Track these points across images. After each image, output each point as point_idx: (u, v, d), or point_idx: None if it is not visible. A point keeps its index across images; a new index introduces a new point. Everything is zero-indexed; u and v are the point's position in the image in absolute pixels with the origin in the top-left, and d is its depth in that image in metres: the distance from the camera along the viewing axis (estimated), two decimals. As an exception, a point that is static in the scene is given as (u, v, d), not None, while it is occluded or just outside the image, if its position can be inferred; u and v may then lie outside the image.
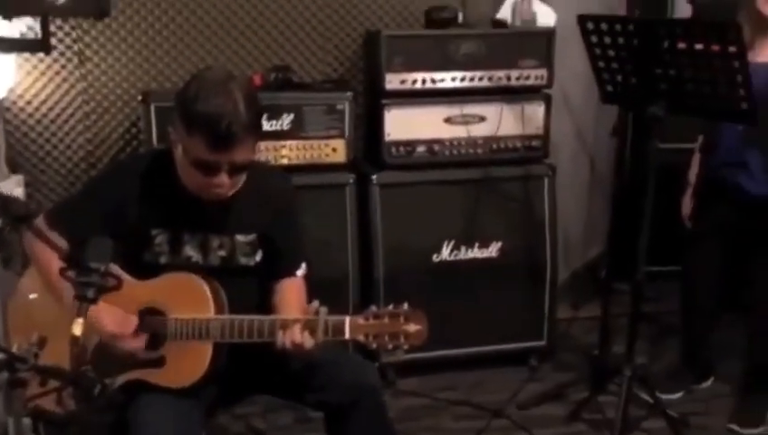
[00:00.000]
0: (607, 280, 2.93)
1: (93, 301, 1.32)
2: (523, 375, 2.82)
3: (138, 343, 1.62)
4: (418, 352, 2.55)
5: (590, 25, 2.15)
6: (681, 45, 2.01)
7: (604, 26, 2.13)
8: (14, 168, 2.66)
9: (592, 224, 3.51)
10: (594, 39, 2.18)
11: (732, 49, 1.91)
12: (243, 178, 1.68)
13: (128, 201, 1.68)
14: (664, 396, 2.57)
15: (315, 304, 1.62)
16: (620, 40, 2.13)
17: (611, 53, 2.18)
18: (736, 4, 2.32)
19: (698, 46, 1.98)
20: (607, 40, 2.16)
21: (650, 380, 2.56)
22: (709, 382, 2.75)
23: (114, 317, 1.61)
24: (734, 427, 2.48)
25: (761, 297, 2.43)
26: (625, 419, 2.32)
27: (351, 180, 2.66)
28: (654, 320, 3.14)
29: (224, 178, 1.61)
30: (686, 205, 2.58)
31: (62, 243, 1.54)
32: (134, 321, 1.63)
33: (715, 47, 1.94)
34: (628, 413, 2.34)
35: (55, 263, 1.50)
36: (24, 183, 2.66)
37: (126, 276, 1.63)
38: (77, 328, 1.27)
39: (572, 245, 3.49)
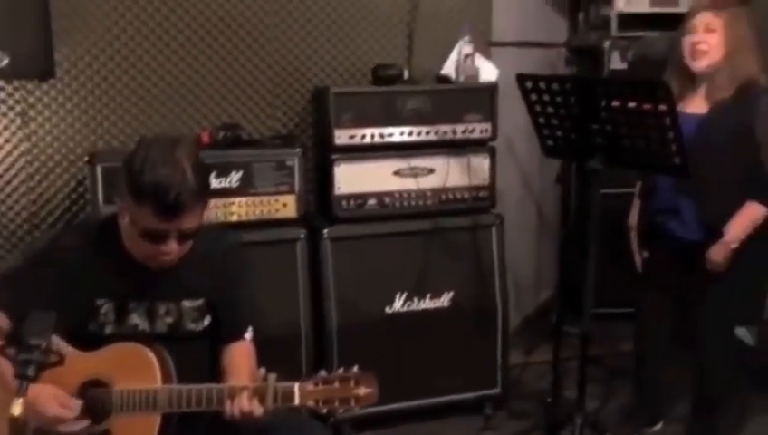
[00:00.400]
0: (557, 324, 2.99)
1: (34, 379, 1.29)
2: (479, 424, 2.83)
3: (80, 426, 1.57)
4: (374, 406, 2.59)
5: (529, 84, 2.24)
6: (615, 103, 2.11)
7: (542, 85, 2.21)
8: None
9: (542, 268, 3.59)
10: (533, 97, 2.27)
11: (662, 107, 2.01)
12: (190, 244, 1.68)
13: (70, 272, 1.66)
14: None
15: (263, 370, 1.61)
16: (558, 98, 2.22)
17: (550, 109, 2.26)
18: (665, 59, 2.44)
19: (631, 104, 2.07)
20: (545, 98, 2.24)
21: (602, 424, 2.60)
22: (660, 425, 2.80)
23: (56, 400, 1.57)
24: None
25: (703, 336, 2.50)
26: (578, 466, 2.35)
27: (302, 235, 2.66)
28: (605, 362, 3.20)
29: (172, 245, 1.61)
30: (636, 253, 2.64)
31: (2, 319, 1.50)
32: (77, 404, 1.58)
33: (647, 105, 2.04)
34: (582, 460, 2.38)
35: None
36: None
37: (69, 349, 1.60)
38: (17, 408, 1.25)
39: (524, 290, 3.56)
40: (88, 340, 1.65)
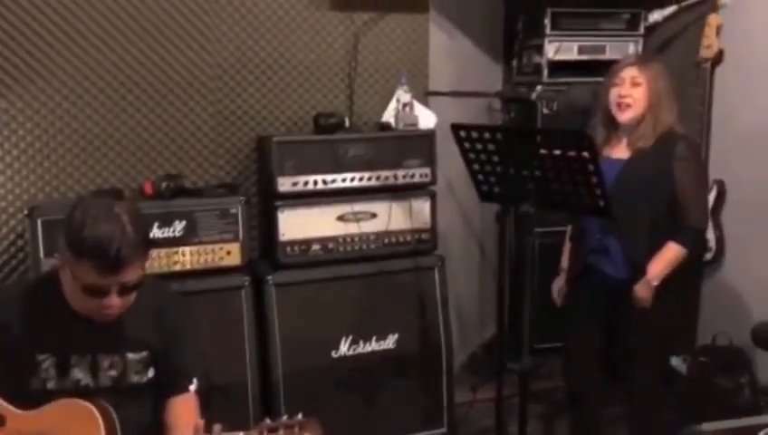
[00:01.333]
0: (499, 362, 3.06)
1: None
2: (427, 464, 2.87)
3: None
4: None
5: (462, 133, 2.35)
6: (543, 151, 2.23)
7: (474, 134, 2.33)
8: None
9: (485, 306, 3.67)
10: (467, 145, 2.37)
11: (585, 155, 2.14)
12: (133, 297, 1.69)
13: (9, 330, 1.65)
14: None
15: (203, 422, 1.62)
16: (490, 146, 2.33)
17: (483, 157, 2.37)
18: (588, 108, 2.59)
19: (557, 152, 2.19)
20: (478, 146, 2.35)
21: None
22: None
23: None
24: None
25: (633, 370, 2.61)
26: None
27: (247, 282, 2.68)
28: (547, 397, 3.29)
29: (114, 299, 1.62)
30: (557, 283, 2.76)
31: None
32: None
33: (572, 153, 2.17)
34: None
35: None
36: None
37: (11, 409, 1.59)
38: None
39: (469, 328, 3.64)
40: (30, 397, 1.64)
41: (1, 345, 1.63)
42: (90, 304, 1.62)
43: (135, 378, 1.77)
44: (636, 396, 2.62)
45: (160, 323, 1.79)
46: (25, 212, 2.49)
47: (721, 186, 3.29)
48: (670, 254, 2.40)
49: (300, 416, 1.62)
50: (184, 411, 1.79)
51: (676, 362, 3.37)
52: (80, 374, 1.71)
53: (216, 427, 1.61)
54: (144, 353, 1.77)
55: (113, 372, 1.74)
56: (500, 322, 3.12)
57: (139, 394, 1.78)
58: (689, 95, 3.27)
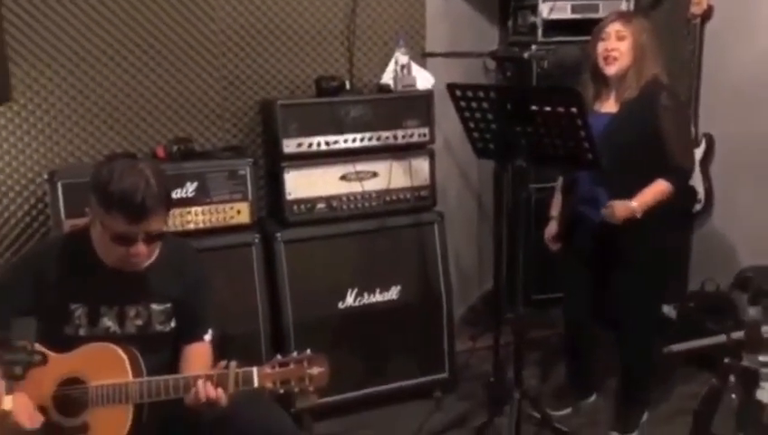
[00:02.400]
0: (497, 312, 3.22)
1: (21, 377, 1.45)
2: (430, 407, 3.04)
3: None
4: (331, 396, 2.80)
5: (458, 93, 2.47)
6: (534, 108, 2.35)
7: (469, 93, 2.44)
8: None
9: (484, 260, 3.82)
10: (463, 104, 2.49)
11: (573, 110, 2.26)
12: (158, 247, 1.84)
13: (45, 282, 1.81)
14: (553, 413, 2.87)
15: (223, 362, 1.79)
16: (484, 104, 2.45)
17: (478, 115, 2.49)
18: (577, 65, 2.71)
19: (547, 108, 2.32)
20: (473, 104, 2.47)
21: (540, 399, 2.85)
22: (593, 398, 3.07)
23: (26, 411, 1.70)
24: (614, 433, 2.80)
25: (622, 312, 2.77)
26: (518, 435, 2.59)
27: (257, 239, 2.83)
28: (543, 344, 3.47)
29: (140, 247, 1.77)
30: (550, 229, 2.90)
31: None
32: (39, 418, 1.73)
33: (561, 109, 2.29)
34: (521, 431, 2.60)
35: None
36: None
37: (49, 352, 1.75)
38: (8, 404, 1.40)
39: (468, 280, 3.79)
40: (64, 342, 1.80)
41: (39, 295, 1.79)
42: (118, 252, 1.77)
43: (159, 327, 1.93)
44: (627, 338, 2.79)
45: (182, 277, 1.95)
46: (45, 176, 2.63)
47: (710, 139, 3.41)
48: (657, 188, 2.55)
49: (308, 351, 1.79)
50: (198, 358, 1.95)
51: (667, 309, 3.53)
52: (108, 322, 1.87)
53: (232, 363, 1.78)
54: (167, 305, 1.93)
55: (139, 322, 1.90)
56: (497, 273, 3.26)
57: (161, 342, 1.94)
58: (680, 51, 3.37)
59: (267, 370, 1.74)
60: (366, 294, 3.01)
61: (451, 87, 2.47)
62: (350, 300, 2.98)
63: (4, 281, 1.91)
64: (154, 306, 1.91)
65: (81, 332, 1.84)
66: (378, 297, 3.02)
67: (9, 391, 1.41)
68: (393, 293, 3.05)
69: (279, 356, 1.77)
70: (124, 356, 1.79)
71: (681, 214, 3.38)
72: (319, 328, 2.87)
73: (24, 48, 2.76)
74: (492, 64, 3.39)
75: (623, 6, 3.50)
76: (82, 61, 2.84)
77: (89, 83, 2.86)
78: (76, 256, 1.85)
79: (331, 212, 2.95)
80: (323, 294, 2.93)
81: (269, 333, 2.85)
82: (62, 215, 2.56)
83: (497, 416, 2.81)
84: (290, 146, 2.85)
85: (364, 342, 2.99)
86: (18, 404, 1.65)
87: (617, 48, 2.57)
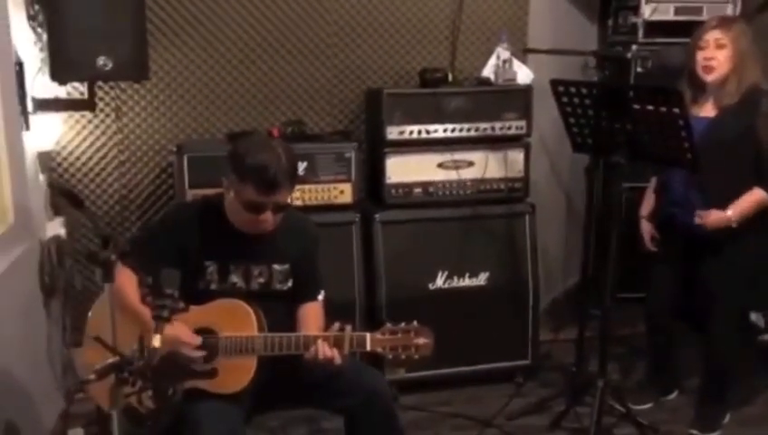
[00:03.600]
0: (582, 306, 3.30)
1: (168, 320, 1.67)
2: (511, 391, 3.16)
3: (200, 353, 1.97)
4: (417, 372, 2.96)
5: (561, 89, 2.57)
6: (636, 106, 2.42)
7: (572, 90, 2.54)
8: (57, 210, 3.01)
9: (570, 255, 3.89)
10: (565, 99, 2.59)
11: (675, 111, 2.32)
12: (281, 216, 2.04)
13: (186, 239, 2.04)
14: (634, 407, 2.92)
15: (337, 324, 1.98)
16: (586, 100, 2.54)
17: (579, 111, 2.59)
18: (680, 67, 2.74)
19: (649, 107, 2.39)
20: (575, 100, 2.57)
21: (622, 392, 2.91)
22: (674, 395, 3.11)
23: (185, 332, 1.96)
24: (695, 432, 2.83)
25: (710, 313, 2.79)
26: (599, 425, 2.67)
27: (357, 219, 3.03)
28: (626, 342, 3.52)
29: (268, 215, 1.98)
30: (646, 229, 2.93)
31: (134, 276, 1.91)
32: (198, 338, 1.98)
33: (663, 108, 2.35)
34: (602, 422, 2.68)
35: (132, 290, 1.87)
36: (65, 223, 3.01)
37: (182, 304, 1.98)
38: (156, 341, 1.62)
39: (553, 274, 3.87)
40: (196, 296, 2.02)
41: (178, 253, 2.01)
42: (248, 218, 1.99)
43: (278, 286, 2.13)
44: (713, 338, 2.82)
45: (301, 242, 2.16)
46: (174, 149, 2.91)
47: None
48: (754, 197, 2.57)
49: (415, 323, 1.96)
50: (312, 316, 2.15)
51: (755, 317, 3.50)
52: (236, 279, 2.08)
53: (347, 326, 1.96)
54: (286, 266, 2.13)
55: (261, 280, 2.11)
56: (584, 267, 3.34)
57: (279, 300, 2.13)
58: None
59: (379, 336, 1.92)
60: (456, 278, 3.15)
61: (555, 83, 2.58)
62: (439, 282, 3.13)
63: (151, 237, 2.17)
64: (275, 266, 2.12)
65: (213, 286, 2.07)
66: (467, 282, 3.16)
67: (157, 331, 1.63)
68: (482, 278, 3.18)
69: (389, 324, 1.95)
70: (251, 312, 2.01)
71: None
72: (409, 306, 3.02)
73: (161, 33, 3.05)
74: (592, 63, 3.45)
75: (728, 10, 3.46)
76: (211, 47, 3.12)
77: (215, 66, 3.14)
78: (210, 219, 2.08)
79: (427, 197, 3.10)
80: (415, 274, 3.10)
81: (363, 306, 3.04)
82: (186, 185, 2.81)
83: (577, 405, 2.89)
84: (393, 133, 3.02)
85: (451, 323, 3.10)
86: (179, 328, 1.90)
87: (715, 57, 2.56)
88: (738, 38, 2.56)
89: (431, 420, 2.98)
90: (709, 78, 2.59)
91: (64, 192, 2.93)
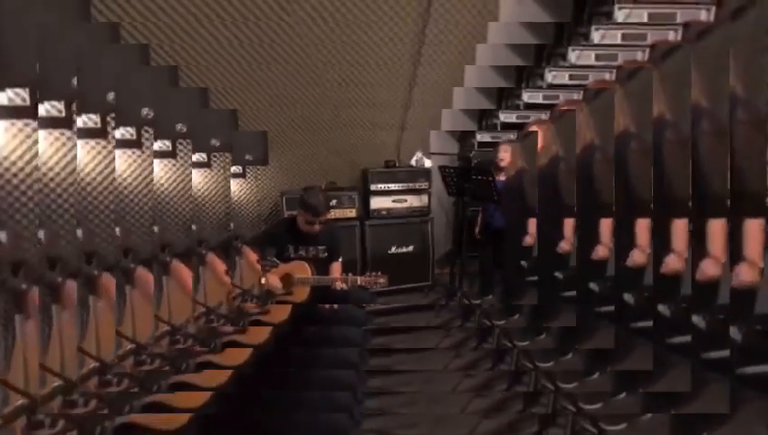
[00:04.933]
0: (452, 258, 7.08)
1: (268, 271, 5.30)
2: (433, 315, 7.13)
3: (280, 286, 5.10)
4: (380, 303, 6.92)
5: (444, 170, 6.66)
6: (474, 176, 6.43)
7: (447, 171, 6.59)
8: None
9: (447, 239, 7.79)
10: (445, 173, 6.64)
11: (490, 178, 6.22)
12: (320, 226, 5.03)
13: (281, 235, 5.08)
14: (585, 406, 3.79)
15: (350, 275, 5.20)
16: (453, 174, 6.56)
17: (450, 178, 6.58)
18: (491, 163, 6.93)
19: (480, 176, 6.30)
20: (449, 172, 6.62)
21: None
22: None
23: (275, 279, 5.24)
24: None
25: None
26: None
27: (358, 224, 6.89)
28: (473, 272, 6.55)
29: (317, 226, 4.93)
30: (478, 228, 6.69)
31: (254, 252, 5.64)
32: (280, 284, 5.16)
33: (484, 177, 6.40)
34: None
35: (253, 257, 5.66)
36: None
37: (277, 262, 5.21)
38: (263, 280, 5.25)
39: (440, 245, 7.45)
40: (284, 259, 4.99)
41: (278, 239, 5.20)
42: (307, 227, 4.94)
43: (321, 256, 5.09)
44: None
45: (331, 236, 5.15)
46: (279, 194, 6.63)
47: None
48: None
49: (379, 272, 5.17)
50: (336, 269, 5.12)
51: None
52: (301, 252, 5.04)
53: (350, 274, 5.13)
54: (324, 247, 5.10)
55: (313, 253, 5.06)
56: (454, 242, 7.33)
57: (320, 261, 5.06)
58: (762, 63, 3.20)
59: (365, 277, 4.83)
60: (401, 248, 7.11)
61: (441, 168, 6.61)
62: (393, 250, 7.07)
63: (267, 235, 5.41)
64: (319, 247, 4.97)
65: (291, 255, 4.97)
66: (404, 250, 7.12)
67: (263, 276, 5.00)
68: (410, 247, 7.16)
69: (369, 273, 4.99)
70: (308, 267, 4.87)
71: None
72: (380, 263, 6.87)
73: (271, 128, 6.65)
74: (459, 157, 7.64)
75: (702, 16, 3.70)
76: (299, 138, 6.84)
77: (302, 147, 6.84)
78: (291, 226, 4.95)
79: (389, 214, 7.07)
80: (383, 248, 6.97)
81: (359, 264, 6.92)
82: (284, 210, 6.53)
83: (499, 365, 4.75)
84: (375, 188, 6.97)
85: (395, 269, 7.07)
86: (272, 278, 5.35)
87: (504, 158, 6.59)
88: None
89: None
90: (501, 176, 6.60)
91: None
